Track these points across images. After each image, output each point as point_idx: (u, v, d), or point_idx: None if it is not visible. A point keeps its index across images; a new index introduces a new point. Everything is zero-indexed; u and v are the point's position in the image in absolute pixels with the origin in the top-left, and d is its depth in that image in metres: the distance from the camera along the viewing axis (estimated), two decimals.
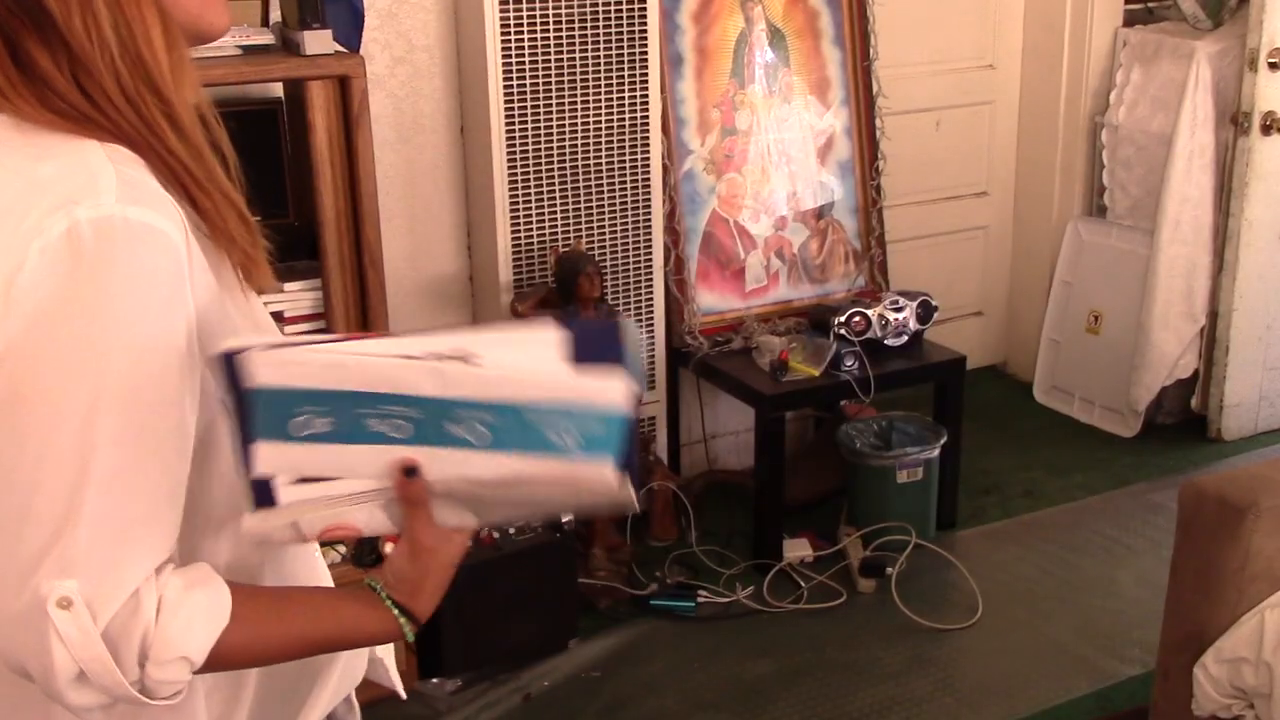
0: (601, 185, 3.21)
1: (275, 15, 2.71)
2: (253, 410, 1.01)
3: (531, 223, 3.16)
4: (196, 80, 1.07)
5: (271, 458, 1.03)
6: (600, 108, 3.16)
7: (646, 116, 3.22)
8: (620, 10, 3.11)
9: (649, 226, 3.30)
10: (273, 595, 1.10)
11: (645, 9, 3.14)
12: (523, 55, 3.04)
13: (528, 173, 3.12)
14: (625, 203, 3.26)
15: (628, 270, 3.30)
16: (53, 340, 0.94)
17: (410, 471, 1.02)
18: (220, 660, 1.01)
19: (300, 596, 1.12)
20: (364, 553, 1.12)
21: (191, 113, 1.05)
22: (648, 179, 3.27)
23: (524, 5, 3.01)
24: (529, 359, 1.00)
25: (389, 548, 1.11)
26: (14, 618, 0.94)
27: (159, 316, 0.97)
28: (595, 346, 1.00)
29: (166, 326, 0.98)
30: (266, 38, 2.57)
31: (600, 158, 3.19)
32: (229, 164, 1.09)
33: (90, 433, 0.94)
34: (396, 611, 1.09)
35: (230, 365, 1.00)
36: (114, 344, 0.95)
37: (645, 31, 3.16)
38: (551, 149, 3.13)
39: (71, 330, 0.94)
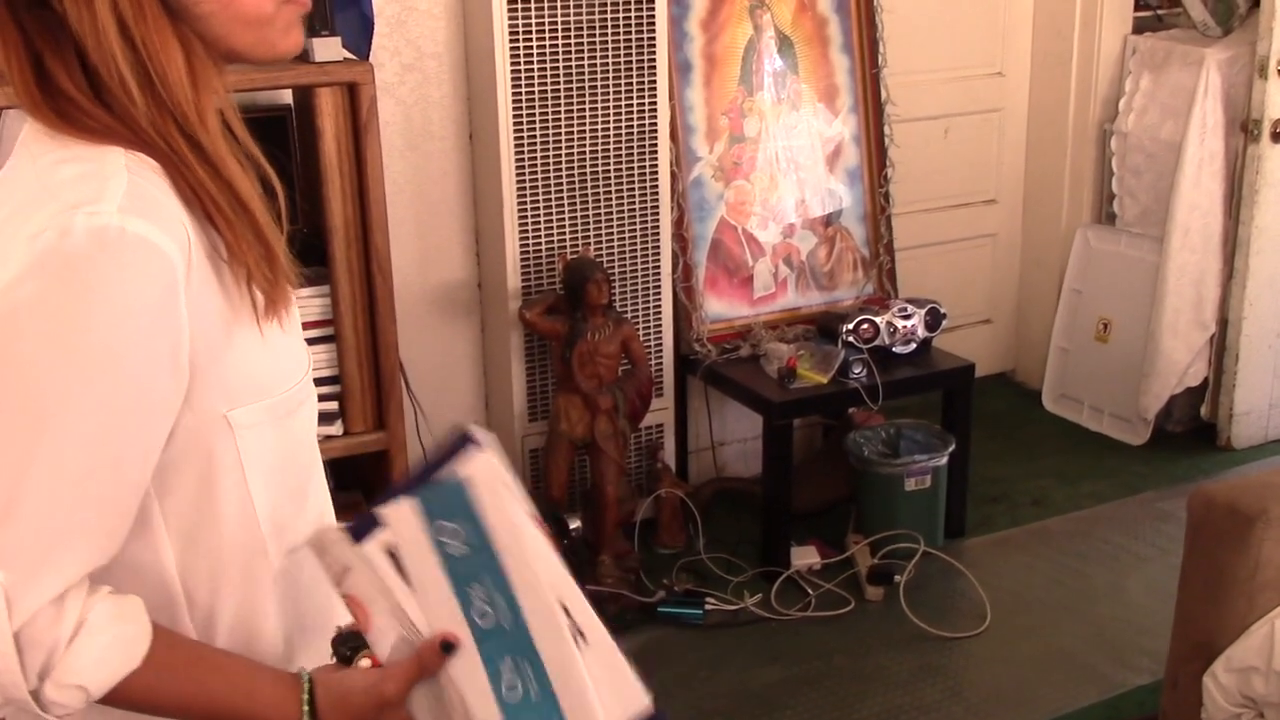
0: (610, 192, 3.21)
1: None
2: (436, 485, 1.02)
3: (540, 229, 3.16)
4: (231, 108, 1.05)
5: (401, 519, 1.02)
6: (609, 115, 3.16)
7: (655, 123, 3.23)
8: (629, 17, 3.11)
9: (657, 233, 3.30)
10: (195, 651, 1.06)
11: (654, 16, 3.14)
12: (531, 62, 3.04)
13: (536, 180, 3.12)
14: (634, 210, 3.26)
15: (636, 277, 3.31)
16: (23, 334, 0.94)
17: (448, 648, 1.02)
18: (119, 699, 1.00)
19: (222, 661, 1.07)
20: (346, 644, 1.10)
21: (219, 145, 1.03)
22: (656, 186, 3.27)
23: (533, 12, 3.01)
24: (606, 690, 1.04)
25: (363, 664, 1.07)
26: None
27: (139, 330, 0.96)
28: None
29: (147, 341, 0.96)
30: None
31: (609, 165, 3.20)
32: (273, 188, 1.07)
33: (42, 429, 0.94)
34: (308, 717, 1.05)
35: (459, 444, 1.01)
36: (84, 347, 0.94)
37: (654, 39, 3.16)
38: (560, 156, 3.13)
39: (43, 328, 0.94)
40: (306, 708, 1.05)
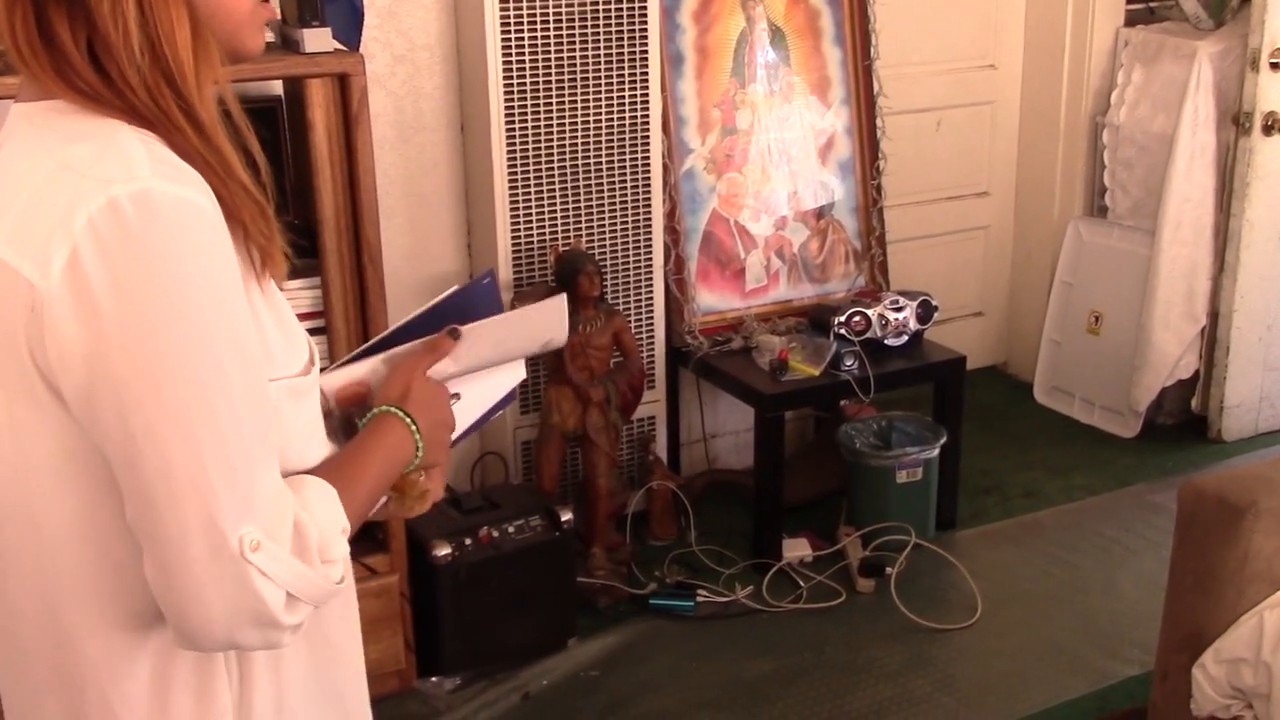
0: (602, 184, 3.21)
1: (275, 13, 2.71)
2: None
3: (532, 222, 3.15)
4: (225, 82, 1.08)
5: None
6: (601, 106, 3.16)
7: (647, 115, 3.22)
8: (621, 9, 3.11)
9: (649, 226, 3.30)
10: (331, 462, 1.17)
11: (646, 8, 3.14)
12: (523, 53, 3.04)
13: (528, 171, 3.12)
14: (625, 202, 3.25)
15: (628, 269, 3.30)
16: (130, 326, 0.97)
17: (454, 334, 1.27)
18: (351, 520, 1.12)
19: (344, 457, 1.18)
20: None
21: (213, 113, 1.07)
22: (648, 178, 3.27)
23: (524, 3, 3.00)
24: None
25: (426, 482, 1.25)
26: (227, 589, 0.99)
27: (218, 276, 1.00)
28: None
29: (226, 284, 1.01)
30: (266, 35, 2.57)
31: (601, 157, 3.19)
32: (259, 169, 1.11)
33: (202, 395, 0.99)
34: (412, 427, 1.21)
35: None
36: (185, 307, 0.98)
37: (646, 30, 3.16)
38: (552, 148, 3.13)
39: (143, 311, 0.97)
40: (408, 421, 1.21)
